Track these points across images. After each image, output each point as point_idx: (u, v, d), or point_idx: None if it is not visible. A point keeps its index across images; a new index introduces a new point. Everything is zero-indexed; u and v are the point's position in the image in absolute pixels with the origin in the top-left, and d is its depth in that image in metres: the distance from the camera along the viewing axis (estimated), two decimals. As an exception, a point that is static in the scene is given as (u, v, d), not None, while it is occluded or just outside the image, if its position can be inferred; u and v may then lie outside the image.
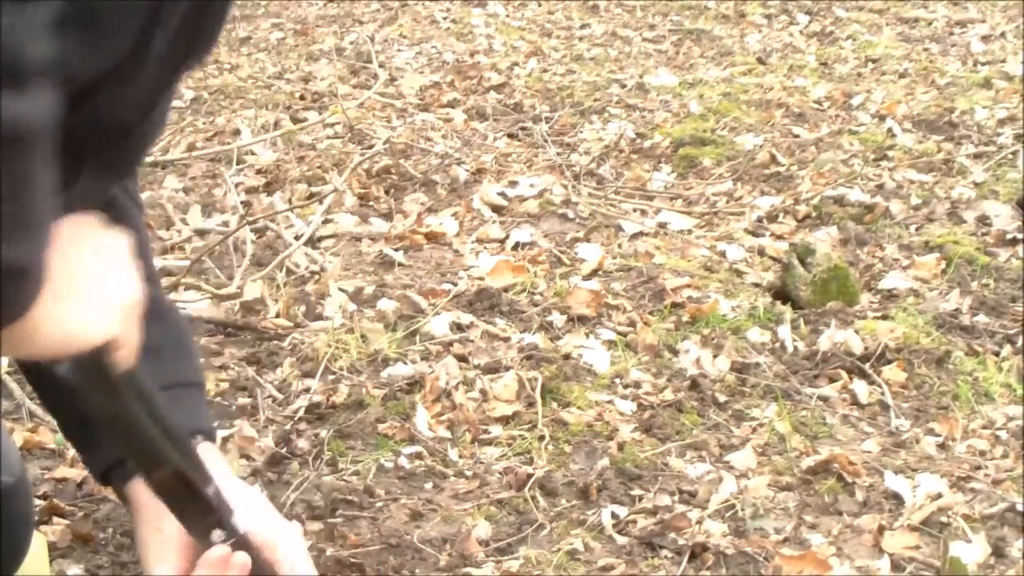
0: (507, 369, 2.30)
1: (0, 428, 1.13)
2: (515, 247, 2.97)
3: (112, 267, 0.80)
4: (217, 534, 0.90)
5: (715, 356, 2.41)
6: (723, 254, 2.96)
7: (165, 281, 2.57)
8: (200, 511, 0.89)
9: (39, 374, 0.95)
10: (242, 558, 0.91)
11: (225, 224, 3.07)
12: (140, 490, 0.94)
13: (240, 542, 0.91)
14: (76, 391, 0.80)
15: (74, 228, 0.76)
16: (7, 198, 0.64)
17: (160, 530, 0.93)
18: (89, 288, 0.77)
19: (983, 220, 3.18)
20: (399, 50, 4.99)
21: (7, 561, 1.14)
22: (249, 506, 0.96)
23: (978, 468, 2.09)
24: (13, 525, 1.14)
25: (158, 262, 2.67)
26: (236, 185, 3.31)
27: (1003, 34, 5.35)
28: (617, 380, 2.33)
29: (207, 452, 0.97)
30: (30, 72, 0.63)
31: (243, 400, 2.25)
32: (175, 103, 4.22)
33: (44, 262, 0.69)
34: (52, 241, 0.70)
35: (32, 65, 0.63)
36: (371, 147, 3.63)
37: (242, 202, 3.17)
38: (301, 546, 0.96)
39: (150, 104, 0.83)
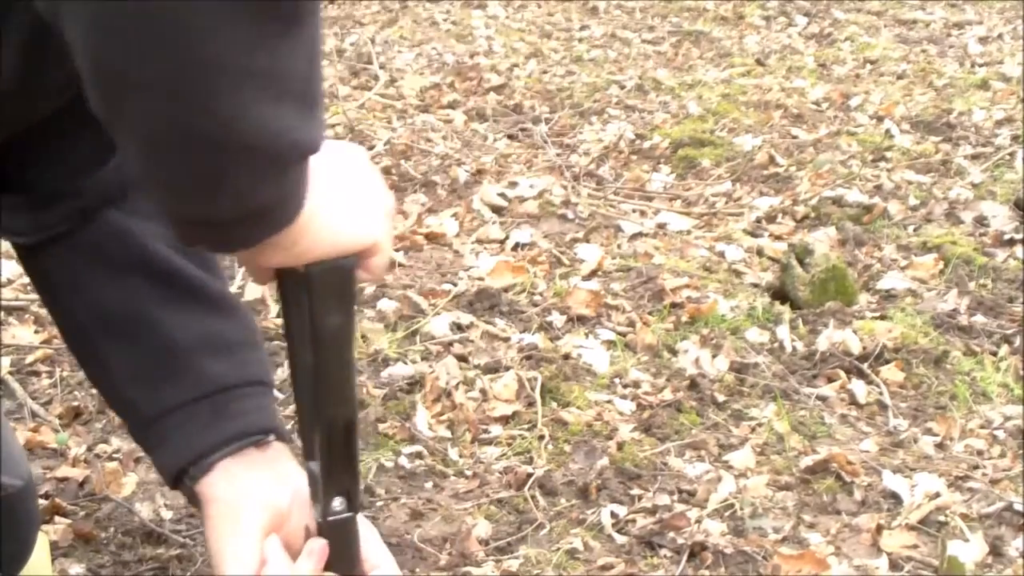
0: (507, 369, 2.31)
1: (7, 431, 1.14)
2: (515, 247, 2.98)
3: (368, 174, 0.81)
4: (339, 501, 0.86)
5: (714, 356, 2.41)
6: (722, 254, 2.97)
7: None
8: (344, 468, 0.85)
9: (115, 371, 0.92)
10: (321, 544, 0.87)
11: (225, 225, 3.07)
12: (215, 485, 0.90)
13: (349, 521, 0.87)
14: (311, 300, 0.78)
15: (338, 150, 0.78)
16: (314, 77, 0.65)
17: (239, 526, 0.88)
18: (355, 191, 0.78)
19: (981, 221, 3.19)
20: (399, 51, 5.00)
21: (14, 562, 1.14)
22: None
23: (976, 468, 2.10)
24: (20, 527, 1.15)
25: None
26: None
27: (1000, 36, 5.36)
28: (616, 380, 2.34)
29: (280, 453, 0.93)
30: None
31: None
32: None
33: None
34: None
35: None
36: (371, 148, 3.63)
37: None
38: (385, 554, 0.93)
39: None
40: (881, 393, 2.33)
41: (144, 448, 0.95)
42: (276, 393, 1.04)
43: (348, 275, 0.79)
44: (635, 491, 2.00)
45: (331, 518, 0.86)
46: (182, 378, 0.91)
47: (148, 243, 0.92)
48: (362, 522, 0.91)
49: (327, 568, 0.88)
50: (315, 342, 0.80)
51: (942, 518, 1.94)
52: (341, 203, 0.77)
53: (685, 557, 1.82)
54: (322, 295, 0.79)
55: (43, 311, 2.51)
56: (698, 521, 1.90)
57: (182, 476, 0.92)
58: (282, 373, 2.15)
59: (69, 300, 0.92)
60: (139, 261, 0.92)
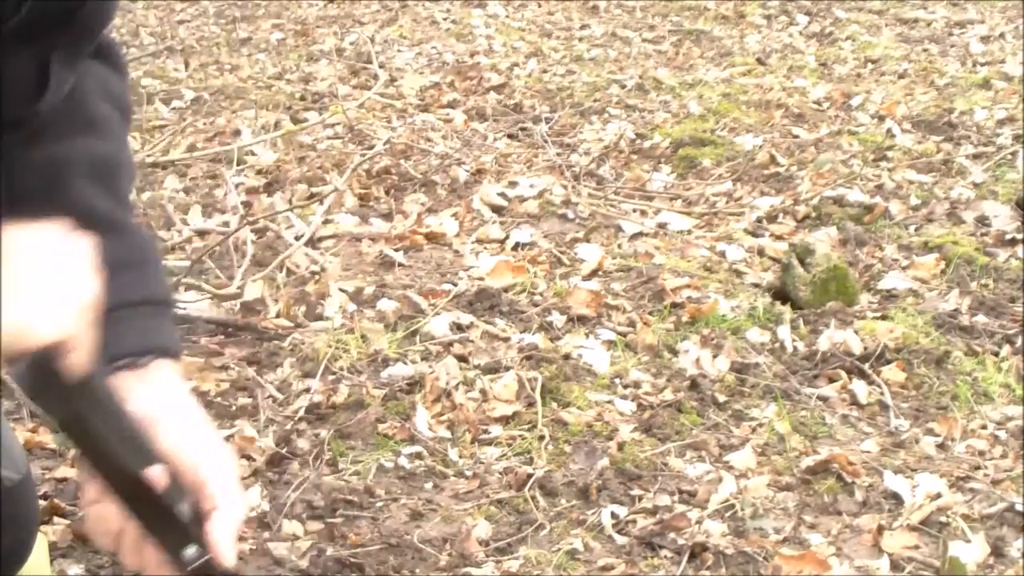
0: (507, 369, 2.31)
1: (5, 427, 1.13)
2: (515, 247, 2.97)
3: (68, 266, 0.75)
4: (192, 551, 0.82)
5: (715, 356, 2.41)
6: (723, 254, 2.96)
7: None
8: (168, 525, 0.81)
9: None
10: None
11: (225, 224, 3.07)
12: None
13: (213, 562, 0.82)
14: (27, 394, 0.75)
15: (31, 230, 0.74)
16: None
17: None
18: (41, 285, 0.73)
19: (982, 220, 3.18)
20: (399, 51, 4.99)
21: (13, 560, 1.14)
22: (183, 423, 0.88)
23: (977, 468, 2.10)
24: (19, 522, 1.14)
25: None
26: (236, 185, 3.31)
27: (1002, 35, 5.35)
28: (617, 380, 2.33)
29: (160, 370, 0.90)
30: None
31: (243, 400, 2.26)
32: (176, 104, 4.22)
33: None
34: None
35: None
36: (371, 147, 3.63)
37: (242, 202, 3.17)
38: (229, 467, 0.87)
39: None
40: (882, 393, 2.33)
41: None
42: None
43: (46, 371, 0.73)
44: (635, 491, 1.99)
45: (191, 567, 0.82)
46: None
47: (58, 166, 0.90)
48: (215, 449, 0.86)
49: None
50: (62, 431, 0.78)
51: (943, 519, 1.93)
52: (24, 297, 0.71)
53: (686, 558, 1.82)
54: (31, 389, 0.75)
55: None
56: (699, 522, 1.89)
57: None
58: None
59: None
60: (45, 189, 0.89)
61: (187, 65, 4.74)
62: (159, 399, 0.88)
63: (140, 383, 0.88)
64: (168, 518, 0.82)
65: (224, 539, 0.82)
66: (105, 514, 0.83)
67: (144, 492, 0.81)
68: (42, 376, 0.74)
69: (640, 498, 1.97)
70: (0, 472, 1.07)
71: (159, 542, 0.82)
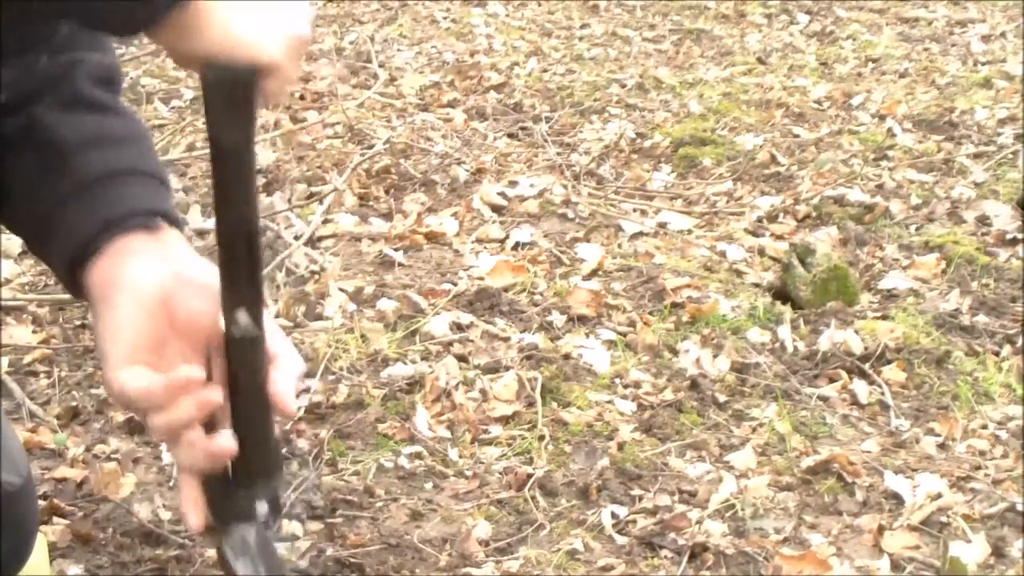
0: (507, 369, 2.30)
1: (7, 429, 1.13)
2: (515, 247, 2.97)
3: (294, 5, 0.80)
4: (243, 314, 0.82)
5: (715, 356, 2.41)
6: (723, 254, 2.96)
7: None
8: (246, 280, 0.81)
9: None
10: (213, 396, 0.82)
11: (225, 224, 3.06)
12: (103, 267, 0.86)
13: (256, 340, 0.82)
14: (207, 106, 0.77)
15: None
16: None
17: (119, 301, 0.84)
18: (268, 10, 0.77)
19: (983, 220, 3.18)
20: (399, 50, 4.99)
21: (13, 562, 1.14)
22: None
23: (978, 468, 2.09)
24: (20, 526, 1.14)
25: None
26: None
27: (1003, 34, 5.35)
28: (617, 380, 2.33)
29: (174, 235, 0.91)
30: None
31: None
32: (176, 103, 4.22)
33: None
34: None
35: None
36: (371, 147, 3.63)
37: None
38: (297, 363, 0.88)
39: None
40: (883, 393, 2.32)
41: (43, 255, 0.93)
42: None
43: (245, 86, 0.77)
44: (636, 492, 1.99)
45: (237, 336, 0.82)
46: (72, 172, 0.89)
47: (59, 70, 0.93)
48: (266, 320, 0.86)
49: (231, 382, 0.84)
50: (214, 154, 0.79)
51: (944, 519, 1.93)
52: (250, 7, 0.76)
53: (686, 558, 1.81)
54: (220, 104, 0.77)
55: (41, 311, 2.50)
56: (699, 522, 1.89)
57: (74, 269, 0.88)
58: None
59: None
60: (46, 84, 0.92)
61: (187, 64, 4.73)
62: (188, 260, 0.88)
63: (156, 245, 0.88)
64: (253, 274, 0.82)
65: (287, 388, 0.84)
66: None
67: (251, 243, 0.81)
68: (237, 91, 0.77)
69: (640, 498, 1.97)
70: (0, 477, 1.08)
71: (231, 295, 0.82)
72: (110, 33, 0.77)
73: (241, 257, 0.81)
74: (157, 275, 0.85)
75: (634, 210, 3.29)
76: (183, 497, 0.87)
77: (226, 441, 0.83)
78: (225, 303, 0.82)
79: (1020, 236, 3.06)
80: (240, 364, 0.84)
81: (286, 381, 0.84)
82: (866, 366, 2.39)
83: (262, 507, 0.87)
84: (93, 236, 0.87)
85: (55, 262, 0.90)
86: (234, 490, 0.86)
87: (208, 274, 0.85)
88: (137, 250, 0.87)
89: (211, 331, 0.84)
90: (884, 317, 2.62)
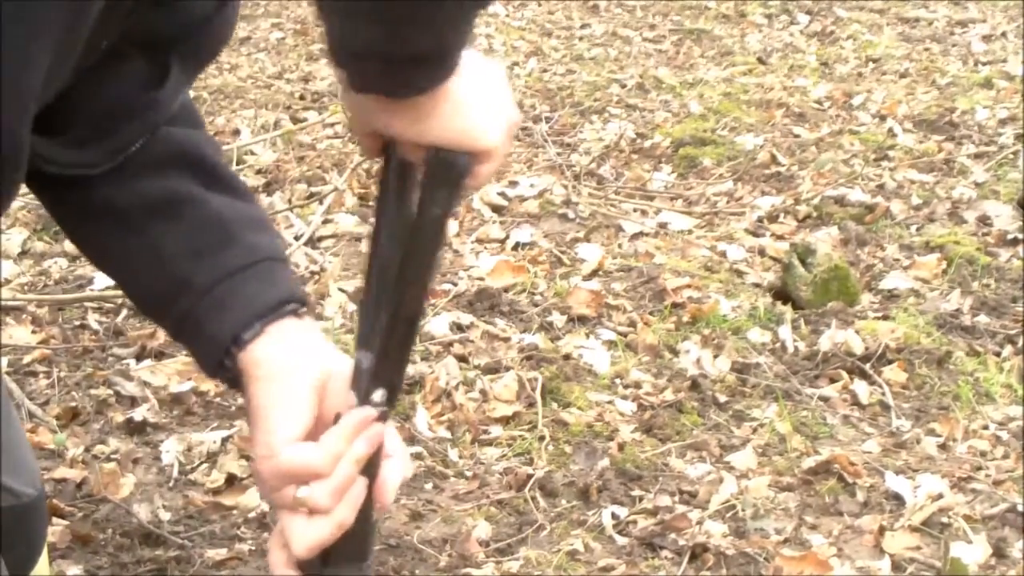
0: (507, 369, 2.30)
1: (23, 440, 1.14)
2: (515, 247, 2.97)
3: (502, 90, 0.86)
4: (380, 394, 0.85)
5: (715, 356, 2.40)
6: (723, 254, 2.96)
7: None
8: (395, 362, 0.85)
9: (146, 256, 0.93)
10: (379, 431, 0.86)
11: (225, 224, 3.06)
12: (269, 346, 0.90)
13: (386, 414, 0.86)
14: (424, 185, 0.82)
15: (471, 55, 0.83)
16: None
17: (292, 384, 0.88)
18: (492, 98, 0.84)
19: (984, 220, 3.18)
20: (399, 50, 4.98)
21: (22, 570, 1.14)
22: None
23: (979, 469, 2.09)
24: (33, 536, 1.15)
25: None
26: (236, 185, 3.30)
27: (1004, 34, 5.35)
28: (617, 380, 2.33)
29: (309, 319, 0.94)
30: None
31: (243, 400, 2.25)
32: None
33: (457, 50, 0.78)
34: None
35: None
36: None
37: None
38: (407, 468, 0.93)
39: None
40: (883, 394, 2.32)
41: (187, 331, 0.94)
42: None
43: (462, 170, 0.82)
44: (636, 492, 1.99)
45: (363, 407, 0.85)
46: (233, 248, 0.92)
47: (191, 140, 0.96)
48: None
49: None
50: (416, 231, 0.83)
51: (945, 519, 1.93)
52: (479, 96, 0.82)
53: (686, 558, 1.81)
54: (434, 183, 0.82)
55: (41, 311, 2.50)
56: (699, 522, 1.89)
57: (231, 347, 0.91)
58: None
59: (109, 193, 0.93)
60: (182, 154, 0.95)
61: (187, 64, 4.73)
62: (331, 349, 0.92)
63: (306, 331, 0.92)
64: (404, 353, 0.86)
65: (391, 484, 0.88)
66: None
67: (417, 312, 0.86)
68: (452, 172, 0.82)
69: (641, 499, 1.97)
70: (20, 488, 1.09)
71: (371, 374, 0.85)
72: (384, 91, 0.81)
73: (400, 339, 0.85)
74: (320, 363, 0.89)
75: (634, 210, 3.28)
76: (277, 563, 0.89)
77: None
78: (369, 378, 0.86)
79: (1020, 236, 3.05)
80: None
81: (393, 479, 0.89)
82: (867, 366, 2.39)
83: None
84: (262, 314, 0.90)
85: (211, 335, 0.92)
86: (327, 568, 0.89)
87: (346, 365, 0.90)
88: (297, 336, 0.91)
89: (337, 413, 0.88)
90: (885, 317, 2.62)
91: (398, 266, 0.84)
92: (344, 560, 0.88)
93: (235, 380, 0.92)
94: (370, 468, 0.87)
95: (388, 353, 0.85)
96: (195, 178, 0.94)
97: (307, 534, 0.86)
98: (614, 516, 1.91)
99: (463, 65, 0.80)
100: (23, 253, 2.86)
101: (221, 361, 0.91)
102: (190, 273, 0.91)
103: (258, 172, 3.49)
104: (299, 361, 0.88)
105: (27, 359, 2.32)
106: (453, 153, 0.82)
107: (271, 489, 0.87)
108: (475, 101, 0.82)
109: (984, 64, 4.86)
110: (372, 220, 0.88)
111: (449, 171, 0.82)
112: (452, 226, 3.09)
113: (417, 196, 0.83)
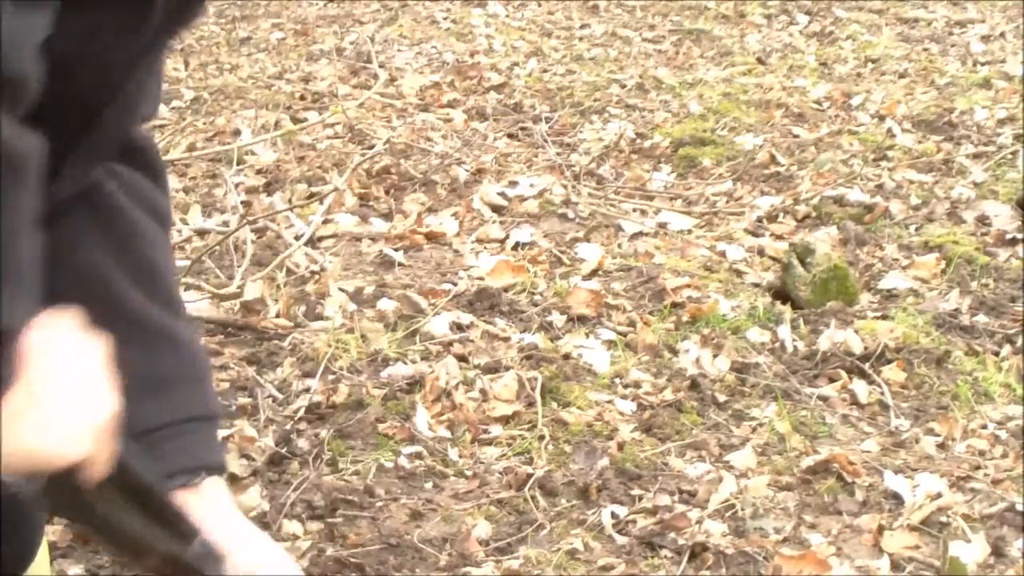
0: (507, 369, 2.31)
1: None
2: (515, 247, 2.97)
3: (88, 381, 0.71)
4: (198, 543, 0.82)
5: (715, 356, 2.41)
6: (723, 254, 2.96)
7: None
8: (164, 528, 0.81)
9: None
10: None
11: (225, 224, 3.07)
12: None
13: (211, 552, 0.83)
14: (44, 504, 0.72)
15: (49, 331, 0.69)
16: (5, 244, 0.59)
17: None
18: (62, 404, 0.69)
19: (983, 220, 3.18)
20: (399, 50, 4.99)
21: (19, 565, 1.14)
22: (246, 548, 0.88)
23: (978, 468, 2.09)
24: (30, 529, 1.15)
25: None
26: (236, 185, 3.31)
27: (1003, 34, 5.35)
28: (617, 380, 2.33)
29: (212, 488, 0.90)
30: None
31: (243, 400, 2.26)
32: (176, 104, 4.22)
33: (21, 330, 0.63)
34: (32, 318, 0.64)
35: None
36: (371, 147, 3.63)
37: (242, 202, 3.17)
38: None
39: (129, 69, 0.79)
40: (882, 393, 2.33)
41: None
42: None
43: (63, 485, 0.70)
44: (636, 491, 1.99)
45: (197, 553, 0.82)
46: (140, 418, 0.85)
47: (86, 267, 0.88)
48: (257, 537, 0.89)
49: None
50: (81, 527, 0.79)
51: (944, 518, 1.93)
52: (45, 418, 0.67)
53: (686, 558, 1.82)
54: (48, 499, 0.72)
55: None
56: (699, 522, 1.89)
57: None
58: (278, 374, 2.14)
59: (63, 249, 0.85)
60: (127, 250, 0.88)
61: (187, 64, 4.74)
62: (219, 521, 0.87)
63: (197, 501, 0.88)
64: (162, 521, 0.80)
65: None
66: None
67: (171, 563, 0.80)
68: (57, 489, 0.71)
69: (640, 498, 1.97)
70: (17, 479, 1.08)
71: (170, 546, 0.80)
72: None
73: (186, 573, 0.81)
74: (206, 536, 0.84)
75: (634, 210, 3.29)
76: None
77: None
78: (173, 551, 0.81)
79: (1019, 236, 3.06)
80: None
81: None
82: (866, 366, 2.39)
83: None
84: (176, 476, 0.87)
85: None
86: None
87: (244, 531, 0.88)
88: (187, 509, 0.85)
89: None
90: (884, 317, 2.62)
91: None
92: None
93: None
94: None
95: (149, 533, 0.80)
96: (103, 313, 0.83)
97: None
98: (614, 515, 1.92)
99: (27, 352, 0.65)
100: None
101: None
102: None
103: (258, 172, 3.49)
104: None
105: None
106: (13, 480, 0.68)
107: None
108: (33, 419, 0.66)
109: (983, 64, 4.86)
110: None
111: (41, 493, 0.70)
112: (453, 226, 3.09)
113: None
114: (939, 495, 1.98)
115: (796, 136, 3.89)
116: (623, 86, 4.45)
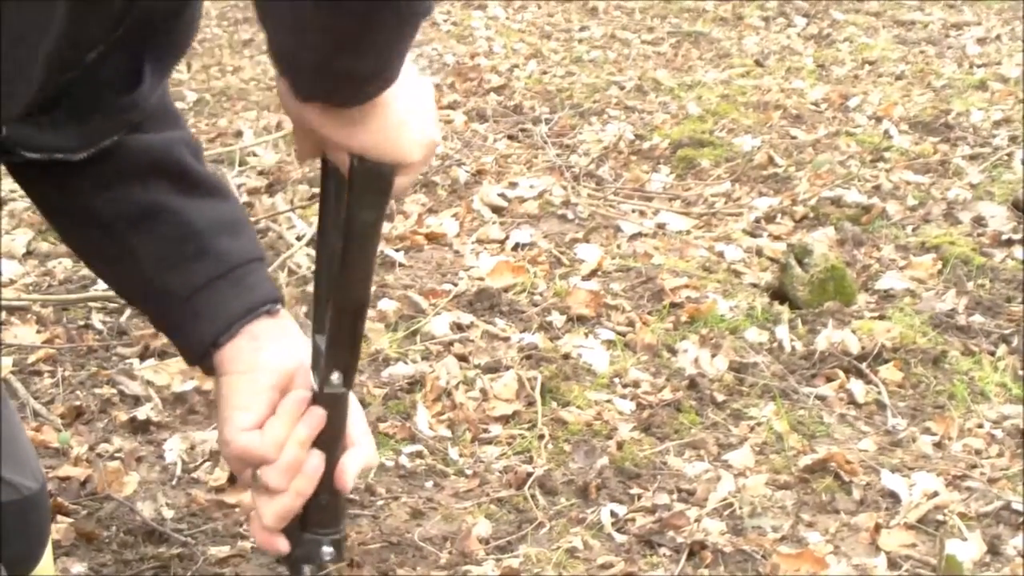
0: (507, 369, 2.32)
1: (22, 435, 1.15)
2: (515, 248, 2.99)
3: (431, 108, 0.91)
4: (337, 376, 0.93)
5: (713, 356, 2.42)
6: (721, 254, 2.98)
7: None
8: (347, 346, 0.93)
9: (133, 256, 0.99)
10: (319, 414, 0.94)
11: (226, 225, 3.08)
12: (238, 348, 0.97)
13: (343, 396, 0.94)
14: (351, 193, 0.87)
15: (416, 78, 0.89)
16: None
17: (254, 382, 0.95)
18: (419, 116, 0.89)
19: (979, 221, 3.20)
20: (399, 52, 5.00)
21: (24, 566, 1.16)
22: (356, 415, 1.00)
23: (974, 467, 2.11)
24: (35, 530, 1.16)
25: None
26: (238, 186, 3.33)
27: (998, 36, 5.37)
28: (616, 379, 2.35)
29: (286, 317, 1.01)
30: None
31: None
32: (179, 105, 4.23)
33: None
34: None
35: None
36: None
37: (244, 203, 3.19)
38: (371, 456, 1.01)
39: None
40: (880, 393, 2.34)
41: (169, 330, 1.03)
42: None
43: (388, 179, 0.88)
44: (635, 490, 2.01)
45: (327, 390, 0.94)
46: (206, 258, 0.99)
47: (166, 146, 1.01)
48: (352, 400, 0.98)
49: (316, 436, 0.95)
50: (347, 232, 0.89)
51: (940, 517, 1.94)
52: (407, 112, 0.87)
53: (684, 556, 1.83)
54: (362, 191, 0.88)
55: (45, 311, 2.52)
56: (697, 520, 1.91)
57: (209, 349, 0.99)
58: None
59: (91, 202, 0.99)
60: (157, 162, 1.00)
61: (189, 67, 4.75)
62: (301, 342, 0.99)
63: (278, 329, 1.00)
64: (354, 341, 0.93)
65: (351, 469, 0.97)
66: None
67: (360, 314, 0.92)
68: (377, 182, 0.88)
69: (639, 497, 1.98)
70: (20, 481, 1.10)
71: (328, 360, 0.93)
72: (328, 100, 0.86)
73: (348, 327, 0.92)
74: (288, 360, 0.98)
75: (633, 211, 3.30)
76: (256, 530, 0.98)
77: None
78: (324, 363, 0.94)
79: (1015, 237, 3.08)
80: (326, 419, 0.95)
81: (355, 463, 0.98)
82: (863, 366, 2.41)
83: (327, 550, 0.98)
84: (234, 320, 0.98)
85: (191, 338, 1.01)
86: (303, 535, 0.97)
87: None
88: (268, 335, 0.98)
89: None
90: (881, 317, 2.64)
91: (338, 262, 0.91)
92: (317, 526, 0.97)
93: (212, 372, 1.01)
94: (326, 443, 0.95)
95: (336, 339, 0.93)
96: (171, 186, 1.00)
97: (271, 507, 0.95)
98: (613, 514, 1.93)
99: (399, 80, 0.85)
100: (28, 254, 2.88)
101: (201, 359, 1.00)
102: (167, 283, 0.99)
103: (260, 173, 3.51)
104: (264, 358, 0.97)
105: (32, 359, 2.34)
106: (376, 163, 0.87)
107: (236, 472, 0.97)
108: (403, 117, 0.87)
109: (979, 66, 4.88)
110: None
111: (373, 179, 0.87)
112: (453, 227, 3.11)
113: (352, 200, 0.89)
114: (936, 494, 1.99)
115: (794, 137, 3.91)
116: (622, 88, 4.47)
